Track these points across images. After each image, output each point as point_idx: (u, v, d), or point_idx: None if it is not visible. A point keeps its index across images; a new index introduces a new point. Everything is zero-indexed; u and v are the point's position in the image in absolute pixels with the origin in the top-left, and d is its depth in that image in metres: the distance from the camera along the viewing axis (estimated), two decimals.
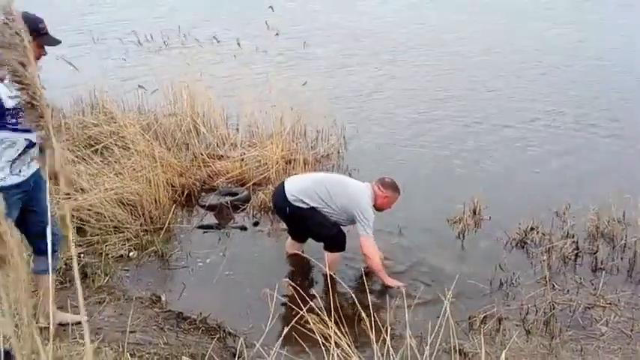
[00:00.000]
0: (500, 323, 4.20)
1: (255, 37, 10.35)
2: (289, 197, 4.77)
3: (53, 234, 3.49)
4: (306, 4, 15.51)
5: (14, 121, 3.26)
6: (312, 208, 4.73)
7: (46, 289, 3.60)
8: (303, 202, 4.74)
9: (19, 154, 3.34)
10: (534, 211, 5.66)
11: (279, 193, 4.90)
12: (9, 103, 3.22)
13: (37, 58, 3.25)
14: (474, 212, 5.77)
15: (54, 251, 3.54)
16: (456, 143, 7.87)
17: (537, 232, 5.39)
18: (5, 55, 1.28)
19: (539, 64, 11.53)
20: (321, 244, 4.87)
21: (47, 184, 3.49)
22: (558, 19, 15.30)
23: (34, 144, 3.37)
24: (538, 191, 6.34)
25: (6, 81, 1.38)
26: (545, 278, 4.71)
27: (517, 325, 4.21)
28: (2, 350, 2.47)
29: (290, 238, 5.17)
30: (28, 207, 3.46)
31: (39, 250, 3.61)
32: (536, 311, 4.33)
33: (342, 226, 4.83)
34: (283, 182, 4.99)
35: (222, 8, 14.68)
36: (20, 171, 3.37)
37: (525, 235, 5.36)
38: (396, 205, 4.97)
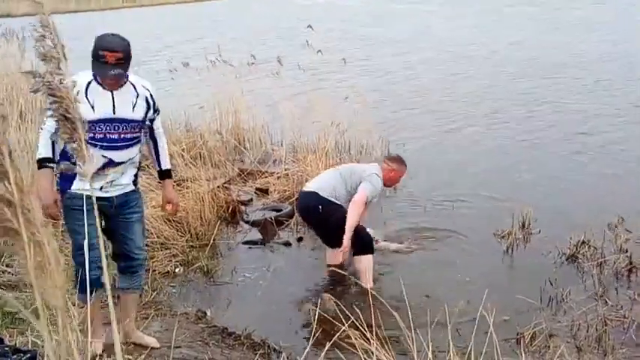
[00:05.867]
0: (549, 340, 4.06)
1: (296, 56, 10.45)
2: (319, 193, 4.88)
3: (137, 258, 3.53)
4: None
5: (91, 135, 3.13)
6: (341, 206, 4.84)
7: (124, 306, 3.63)
8: (332, 195, 4.88)
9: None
10: (585, 225, 5.49)
11: (306, 195, 5.01)
12: (90, 115, 3.12)
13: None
14: (523, 226, 5.63)
15: (135, 272, 3.57)
16: (503, 155, 7.74)
17: (589, 246, 5.21)
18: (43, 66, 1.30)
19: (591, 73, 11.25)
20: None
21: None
22: None
23: (117, 163, 3.25)
24: (589, 204, 6.15)
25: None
26: (597, 294, 4.56)
27: (568, 342, 4.05)
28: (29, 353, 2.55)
29: (328, 248, 5.17)
30: (115, 226, 3.41)
31: (119, 269, 3.59)
32: (588, 328, 4.18)
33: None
34: (302, 189, 5.16)
35: (262, 31, 14.90)
36: (102, 187, 3.26)
37: (576, 249, 5.19)
38: (403, 180, 5.24)
